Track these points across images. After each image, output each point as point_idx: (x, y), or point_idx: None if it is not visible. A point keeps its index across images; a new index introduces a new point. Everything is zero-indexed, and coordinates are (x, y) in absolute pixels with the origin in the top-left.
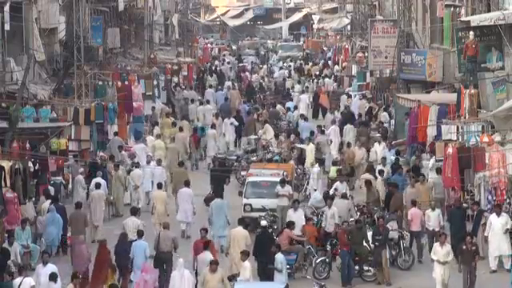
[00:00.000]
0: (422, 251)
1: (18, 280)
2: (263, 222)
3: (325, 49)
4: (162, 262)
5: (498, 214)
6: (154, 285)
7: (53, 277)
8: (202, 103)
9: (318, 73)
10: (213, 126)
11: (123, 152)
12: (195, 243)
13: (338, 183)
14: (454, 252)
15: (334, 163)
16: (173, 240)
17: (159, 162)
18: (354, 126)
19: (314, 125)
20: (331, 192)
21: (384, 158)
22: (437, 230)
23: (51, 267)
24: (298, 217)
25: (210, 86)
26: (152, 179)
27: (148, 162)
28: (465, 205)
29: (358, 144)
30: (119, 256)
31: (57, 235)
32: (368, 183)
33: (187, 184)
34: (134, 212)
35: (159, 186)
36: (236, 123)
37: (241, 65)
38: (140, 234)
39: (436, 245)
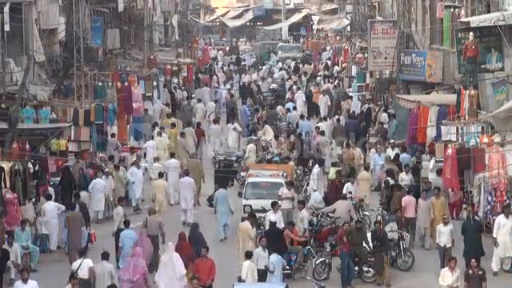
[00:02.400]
0: (414, 236)
1: (77, 262)
2: (272, 218)
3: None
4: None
5: (507, 216)
6: (144, 269)
7: None
8: (201, 100)
9: (311, 72)
10: (215, 122)
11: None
12: (196, 264)
13: (348, 184)
14: (466, 266)
15: (334, 164)
16: (159, 224)
17: (173, 155)
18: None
19: (313, 124)
20: (345, 193)
21: (407, 165)
22: (448, 246)
23: (33, 284)
24: (277, 219)
25: (206, 85)
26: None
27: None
28: (477, 217)
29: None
30: (193, 244)
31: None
32: (386, 182)
33: (187, 173)
34: (120, 201)
35: (160, 175)
36: (239, 128)
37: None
38: (127, 223)
39: (445, 270)
